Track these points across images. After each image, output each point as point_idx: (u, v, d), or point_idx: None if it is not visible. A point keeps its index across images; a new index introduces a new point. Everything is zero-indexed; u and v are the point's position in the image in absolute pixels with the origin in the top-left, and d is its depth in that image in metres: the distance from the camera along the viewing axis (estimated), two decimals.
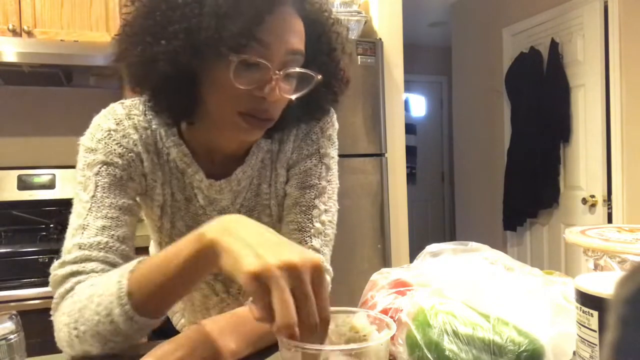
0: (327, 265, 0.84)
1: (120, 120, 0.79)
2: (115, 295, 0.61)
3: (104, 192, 0.74)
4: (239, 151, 0.85)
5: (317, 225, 0.83)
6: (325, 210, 0.85)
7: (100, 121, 0.79)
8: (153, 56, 0.67)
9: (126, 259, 0.73)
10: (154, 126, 0.81)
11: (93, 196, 0.73)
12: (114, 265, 0.70)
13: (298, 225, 0.83)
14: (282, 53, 0.70)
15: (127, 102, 0.82)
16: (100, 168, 0.75)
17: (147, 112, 0.80)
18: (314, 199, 0.84)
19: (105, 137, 0.77)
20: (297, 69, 0.72)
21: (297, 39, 0.71)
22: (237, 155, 0.85)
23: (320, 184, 0.86)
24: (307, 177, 0.86)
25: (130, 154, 0.78)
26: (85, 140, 0.78)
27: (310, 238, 0.82)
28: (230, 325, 0.66)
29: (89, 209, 0.73)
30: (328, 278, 0.82)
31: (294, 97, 0.74)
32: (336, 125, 0.91)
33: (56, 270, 0.70)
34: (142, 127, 0.80)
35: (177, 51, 0.66)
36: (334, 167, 0.90)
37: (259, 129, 0.75)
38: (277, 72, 0.69)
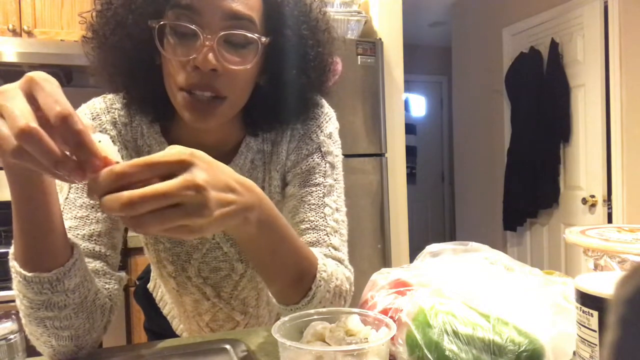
0: (349, 265, 0.79)
1: (97, 114, 0.77)
2: (10, 265, 0.60)
3: (76, 193, 0.73)
4: (224, 149, 0.81)
5: (332, 223, 0.78)
6: (337, 209, 0.81)
7: None
8: (116, 45, 0.70)
9: (95, 255, 0.71)
10: (135, 122, 0.79)
11: (66, 198, 0.73)
12: None
13: (311, 224, 0.78)
14: (216, 17, 0.65)
15: (110, 95, 0.80)
16: None
17: (130, 107, 0.78)
18: (322, 198, 0.79)
19: None
20: (233, 31, 0.66)
21: (237, 3, 0.67)
22: (224, 154, 0.80)
23: (326, 182, 0.81)
24: (310, 175, 0.81)
25: None
26: None
27: (328, 236, 0.77)
28: None
29: (62, 210, 0.71)
30: (352, 278, 0.78)
31: (240, 67, 0.68)
32: (336, 123, 0.88)
33: None
34: (122, 123, 0.78)
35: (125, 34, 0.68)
36: (339, 166, 0.85)
37: (209, 109, 0.69)
38: (208, 36, 0.65)
